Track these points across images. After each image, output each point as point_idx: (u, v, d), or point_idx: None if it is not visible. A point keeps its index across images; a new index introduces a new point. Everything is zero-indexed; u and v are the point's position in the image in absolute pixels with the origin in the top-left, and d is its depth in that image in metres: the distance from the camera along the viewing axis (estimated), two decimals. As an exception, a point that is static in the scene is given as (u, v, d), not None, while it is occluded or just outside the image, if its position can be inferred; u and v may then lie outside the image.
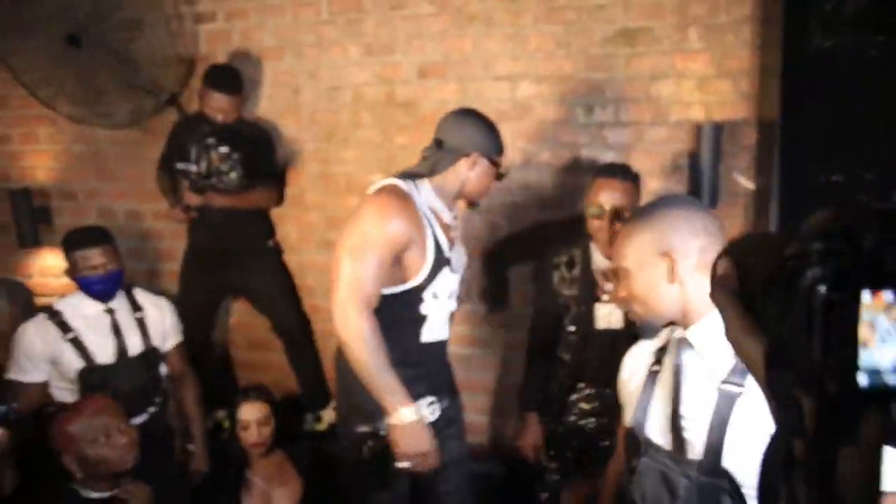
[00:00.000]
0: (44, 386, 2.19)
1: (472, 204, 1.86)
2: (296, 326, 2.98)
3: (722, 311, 0.60)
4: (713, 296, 0.62)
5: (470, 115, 1.83)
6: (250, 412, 2.23)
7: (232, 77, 2.78)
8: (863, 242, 0.45)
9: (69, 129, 3.28)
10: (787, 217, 2.18)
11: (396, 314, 1.70)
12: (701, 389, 1.13)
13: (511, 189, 2.78)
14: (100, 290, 2.21)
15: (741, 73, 2.48)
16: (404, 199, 1.66)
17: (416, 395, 1.71)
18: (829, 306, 0.45)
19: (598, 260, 2.07)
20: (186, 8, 3.07)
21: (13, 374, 2.16)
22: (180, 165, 2.77)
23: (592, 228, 2.02)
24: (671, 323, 1.26)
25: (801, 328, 0.46)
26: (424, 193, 1.74)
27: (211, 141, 2.73)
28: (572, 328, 2.13)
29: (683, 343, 1.17)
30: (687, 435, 1.13)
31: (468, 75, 2.79)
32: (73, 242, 2.21)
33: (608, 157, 2.65)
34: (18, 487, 2.06)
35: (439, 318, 1.77)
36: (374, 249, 1.60)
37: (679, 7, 2.50)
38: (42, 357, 2.15)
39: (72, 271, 2.21)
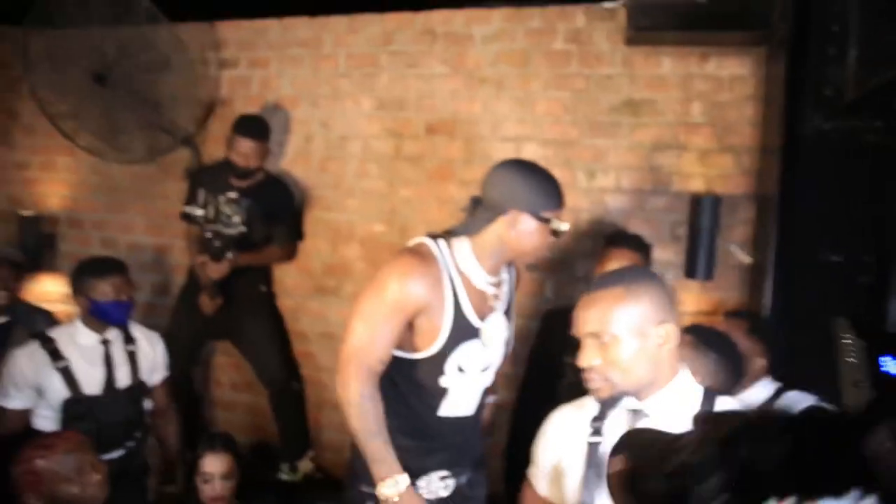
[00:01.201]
0: (26, 413, 2.16)
1: (530, 265, 1.73)
2: (278, 374, 2.95)
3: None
4: (610, 488, 0.67)
5: (514, 167, 1.56)
6: (214, 464, 2.07)
7: (259, 125, 2.89)
8: (737, 452, 0.48)
9: (86, 160, 3.38)
10: (781, 292, 2.16)
11: (414, 383, 1.59)
12: None
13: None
14: (118, 317, 2.23)
15: (743, 148, 2.53)
16: (427, 259, 1.53)
17: (427, 468, 1.64)
18: None
19: None
20: (212, 54, 3.20)
21: None
22: (187, 209, 2.87)
23: None
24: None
25: None
26: (459, 253, 1.56)
27: (224, 194, 2.85)
28: (566, 389, 2.09)
29: (638, 414, 1.16)
30: None
31: (475, 135, 2.86)
32: (94, 269, 2.23)
33: (608, 222, 2.67)
34: None
35: (464, 393, 1.61)
36: (387, 311, 1.49)
37: (683, 82, 2.58)
38: (29, 384, 2.13)
39: (85, 297, 2.19)
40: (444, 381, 1.58)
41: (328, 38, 3.05)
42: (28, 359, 2.13)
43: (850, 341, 1.81)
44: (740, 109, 2.53)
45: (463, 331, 1.54)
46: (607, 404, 1.19)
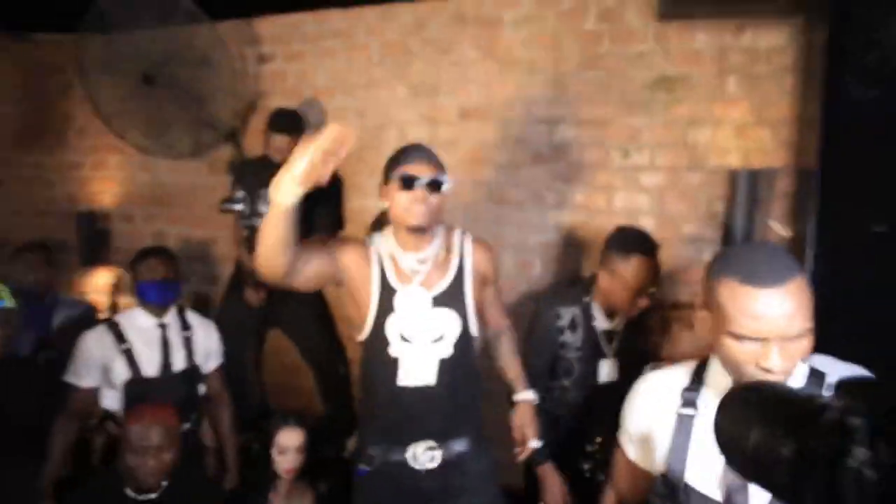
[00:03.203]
0: (94, 391, 2.32)
1: (416, 231, 1.69)
2: (324, 356, 3.05)
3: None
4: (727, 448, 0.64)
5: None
6: (289, 438, 2.23)
7: (293, 119, 2.95)
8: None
9: (135, 158, 3.54)
10: (822, 265, 2.13)
11: (371, 358, 1.75)
12: None
13: (546, 228, 2.83)
14: (156, 295, 2.33)
15: (781, 121, 2.49)
16: (357, 244, 1.73)
17: (409, 439, 1.72)
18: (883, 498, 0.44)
19: (600, 319, 2.08)
20: (249, 49, 3.30)
21: (70, 378, 2.31)
22: (225, 205, 2.98)
23: (614, 297, 2.01)
24: (702, 364, 1.24)
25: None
26: (385, 243, 1.74)
27: (262, 189, 2.92)
28: (566, 383, 2.12)
29: None
30: (749, 487, 1.09)
31: (509, 118, 2.88)
32: (138, 254, 2.39)
33: (642, 200, 2.67)
34: (72, 478, 2.22)
35: (417, 362, 1.72)
36: (320, 247, 1.67)
37: (718, 56, 2.54)
38: (96, 364, 2.29)
39: (134, 281, 2.36)
40: (392, 351, 1.69)
41: (361, 28, 3.11)
42: (96, 341, 2.29)
43: None
44: (778, 81, 2.48)
45: (388, 302, 1.68)
46: None
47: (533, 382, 1.98)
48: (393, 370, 1.71)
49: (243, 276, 3.00)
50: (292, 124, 2.92)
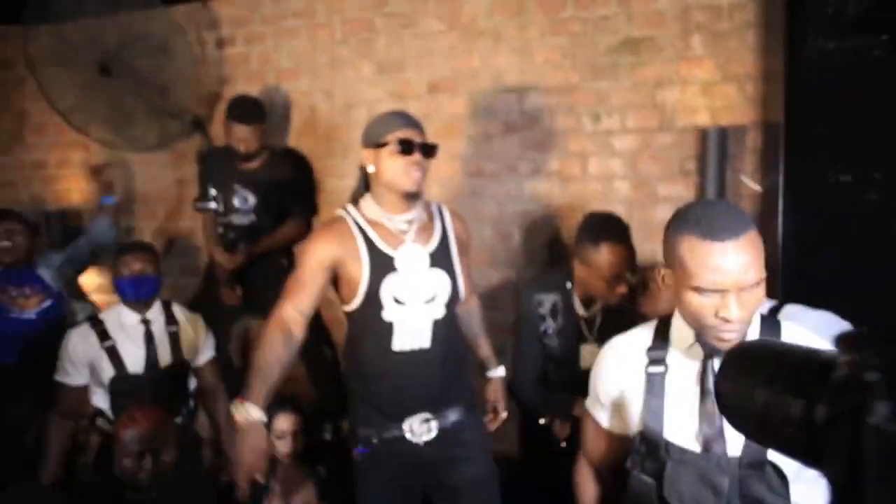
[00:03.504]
0: (84, 389, 2.33)
1: (409, 196, 1.72)
2: (309, 340, 3.04)
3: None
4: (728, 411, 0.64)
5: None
6: (286, 423, 2.29)
7: (251, 107, 2.87)
8: None
9: (100, 154, 3.45)
10: (792, 216, 2.19)
11: (362, 326, 1.75)
12: None
13: (522, 197, 2.84)
14: (132, 292, 2.31)
15: (746, 77, 2.51)
16: (332, 224, 1.75)
17: (405, 412, 1.73)
18: None
19: (578, 305, 2.08)
20: (208, 34, 3.22)
21: (59, 377, 2.32)
22: (199, 205, 2.94)
23: (590, 286, 2.00)
24: (662, 323, 1.27)
25: (872, 466, 0.45)
26: (365, 207, 1.74)
27: (231, 184, 2.90)
28: (549, 367, 2.13)
29: (713, 350, 1.17)
30: (725, 434, 1.15)
31: (477, 89, 2.87)
32: (116, 251, 2.38)
33: (616, 164, 2.69)
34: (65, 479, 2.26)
35: (412, 324, 1.71)
36: (311, 272, 1.71)
37: (681, 15, 2.55)
38: (83, 362, 2.30)
39: (114, 278, 2.35)
40: (386, 315, 1.70)
41: (321, 6, 3.04)
42: (80, 338, 2.29)
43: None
44: (741, 37, 2.50)
45: (383, 264, 1.69)
46: (717, 353, 1.16)
47: (532, 369, 2.07)
48: (388, 336, 1.71)
49: (217, 275, 2.96)
50: (252, 113, 2.85)
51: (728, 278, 1.07)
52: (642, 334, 1.30)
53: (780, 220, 2.26)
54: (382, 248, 1.70)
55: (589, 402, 1.42)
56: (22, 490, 1.75)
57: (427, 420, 1.75)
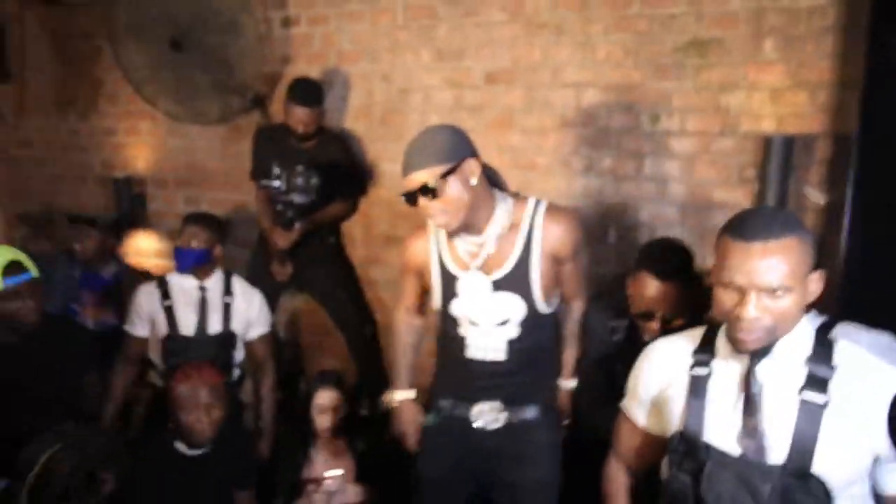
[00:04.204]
0: (146, 341, 2.50)
1: (452, 234, 1.68)
2: (352, 318, 3.11)
3: None
4: None
5: (438, 127, 1.66)
6: (327, 398, 2.34)
7: (312, 90, 2.93)
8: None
9: (166, 124, 3.59)
10: (859, 232, 2.09)
11: (442, 332, 1.85)
12: (779, 398, 1.15)
13: (573, 194, 2.80)
14: (180, 261, 2.44)
15: (819, 84, 2.40)
16: (420, 230, 1.81)
17: (477, 397, 1.77)
18: None
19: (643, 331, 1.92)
20: (274, 13, 3.28)
21: (126, 326, 2.52)
22: (263, 182, 3.01)
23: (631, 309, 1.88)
24: (712, 328, 1.26)
25: None
26: None
27: (293, 163, 2.97)
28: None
29: (758, 352, 1.16)
30: (766, 442, 1.15)
31: (535, 82, 2.83)
32: (184, 219, 2.52)
33: (672, 166, 2.63)
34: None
35: (484, 341, 1.73)
36: (403, 272, 1.91)
37: (754, 17, 2.44)
38: (145, 316, 2.48)
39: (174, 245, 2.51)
40: (461, 332, 1.75)
41: (386, -10, 3.06)
42: (146, 294, 2.48)
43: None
44: (818, 42, 2.38)
45: (449, 286, 1.73)
46: (759, 354, 1.16)
47: (601, 393, 1.87)
48: (462, 346, 1.77)
49: (269, 250, 3.04)
50: (313, 96, 2.91)
51: (745, 277, 1.09)
52: (688, 338, 1.31)
53: (844, 235, 2.16)
54: (451, 270, 1.73)
55: (625, 402, 1.43)
56: (87, 430, 1.85)
57: (497, 410, 1.77)
